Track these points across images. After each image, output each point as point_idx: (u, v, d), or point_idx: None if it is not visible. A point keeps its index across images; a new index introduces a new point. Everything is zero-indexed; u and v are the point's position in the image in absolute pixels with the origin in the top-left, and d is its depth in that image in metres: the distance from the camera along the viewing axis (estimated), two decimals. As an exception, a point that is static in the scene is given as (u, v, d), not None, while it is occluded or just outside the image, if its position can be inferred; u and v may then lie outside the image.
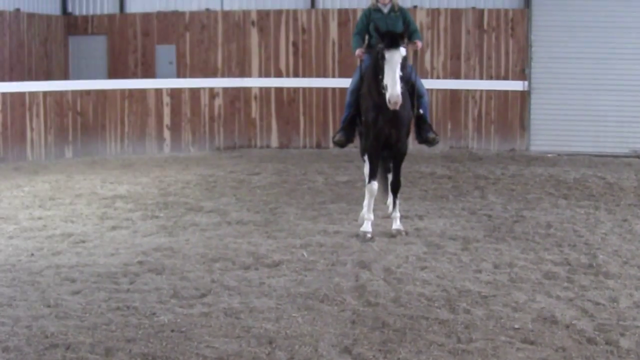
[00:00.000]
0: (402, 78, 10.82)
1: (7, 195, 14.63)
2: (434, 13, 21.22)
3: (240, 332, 7.74)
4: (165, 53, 22.56)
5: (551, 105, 20.66)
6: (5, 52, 20.66)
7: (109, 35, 23.00)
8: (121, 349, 7.27)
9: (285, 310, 8.36)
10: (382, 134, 11.36)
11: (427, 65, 21.19)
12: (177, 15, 22.56)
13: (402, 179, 12.10)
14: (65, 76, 22.88)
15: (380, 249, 10.81)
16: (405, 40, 11.19)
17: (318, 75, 21.70)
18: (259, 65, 22.06)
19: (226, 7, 22.50)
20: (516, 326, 7.89)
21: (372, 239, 11.31)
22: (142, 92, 20.47)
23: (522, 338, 7.58)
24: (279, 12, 21.99)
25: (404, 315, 8.20)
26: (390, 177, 12.15)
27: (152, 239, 11.46)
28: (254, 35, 22.07)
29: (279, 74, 21.93)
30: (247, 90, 21.54)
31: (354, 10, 21.10)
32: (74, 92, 19.62)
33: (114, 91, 20.15)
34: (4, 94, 18.36)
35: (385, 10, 11.91)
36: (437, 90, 20.96)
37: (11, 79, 20.26)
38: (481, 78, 21.02)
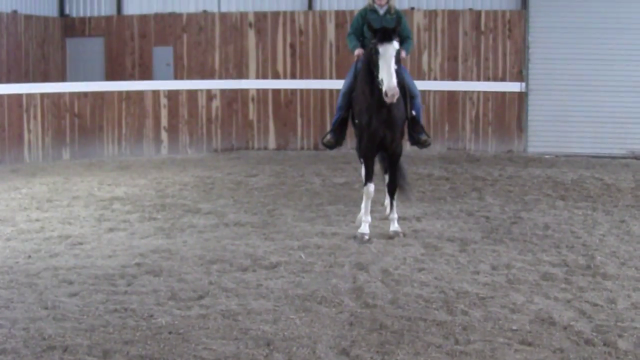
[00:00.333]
0: (397, 72, 10.81)
1: (5, 197, 14.63)
2: (431, 14, 21.22)
3: (237, 334, 7.74)
4: (162, 55, 22.55)
5: (549, 106, 20.67)
6: (2, 53, 20.64)
7: (106, 37, 22.99)
8: (119, 351, 7.27)
9: (283, 312, 8.36)
10: (376, 135, 11.36)
11: (425, 66, 21.20)
12: (174, 17, 22.55)
13: (405, 178, 12.11)
14: (62, 78, 22.88)
15: (377, 251, 10.81)
16: (397, 37, 11.15)
17: (315, 77, 21.70)
18: (257, 67, 22.05)
19: (223, 9, 22.50)
20: (514, 327, 7.89)
21: (369, 240, 11.31)
22: (140, 93, 20.46)
23: (520, 339, 7.58)
24: (276, 14, 21.99)
25: (401, 316, 8.21)
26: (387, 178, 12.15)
27: (150, 240, 11.46)
28: (252, 36, 22.06)
29: (276, 76, 21.93)
30: (244, 91, 21.55)
31: (352, 12, 21.09)
32: (72, 94, 19.61)
33: (111, 93, 20.13)
34: (1, 95, 18.36)
35: (382, 11, 11.92)
36: (435, 91, 20.98)
37: (8, 81, 20.25)
38: (478, 79, 21.02)
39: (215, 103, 21.20)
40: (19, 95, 18.70)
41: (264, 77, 21.94)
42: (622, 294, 8.99)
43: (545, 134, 20.72)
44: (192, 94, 20.99)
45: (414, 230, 11.99)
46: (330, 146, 12.26)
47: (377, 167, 12.30)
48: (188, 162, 19.32)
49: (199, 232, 11.97)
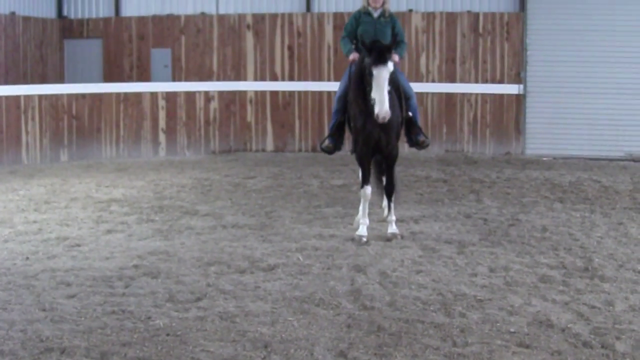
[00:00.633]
0: (389, 92, 10.81)
1: (3, 198, 14.62)
2: (429, 17, 21.23)
3: (235, 336, 7.73)
4: (160, 56, 22.56)
5: (546, 108, 20.69)
6: (0, 55, 20.65)
7: (104, 39, 23.00)
8: (116, 353, 7.27)
9: (281, 314, 8.36)
10: (371, 138, 11.35)
11: (423, 68, 21.21)
12: (172, 18, 22.56)
13: (396, 182, 12.10)
14: (60, 79, 22.88)
15: (375, 253, 10.81)
16: (392, 53, 11.10)
17: (313, 79, 21.70)
18: (255, 69, 22.06)
19: (221, 11, 22.51)
20: (512, 330, 7.89)
21: (367, 242, 11.31)
22: (138, 95, 20.46)
23: (518, 342, 7.58)
24: (274, 16, 21.99)
25: (399, 319, 8.20)
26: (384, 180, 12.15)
27: (148, 242, 11.45)
28: (250, 38, 22.07)
29: (274, 78, 21.94)
30: (242, 93, 21.54)
31: (350, 14, 21.01)
32: (70, 96, 19.61)
33: (109, 94, 20.13)
34: (-1, 97, 18.39)
35: (376, 14, 11.88)
36: (433, 93, 21.00)
37: (6, 82, 20.26)
38: (476, 82, 21.04)
39: (213, 105, 21.21)
40: (17, 97, 18.70)
41: (262, 79, 21.95)
42: (620, 296, 8.99)
43: (543, 136, 20.74)
44: (190, 95, 20.99)
45: (411, 233, 11.98)
46: (329, 151, 12.24)
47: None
48: (186, 164, 19.32)
49: (197, 234, 11.97)
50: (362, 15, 11.92)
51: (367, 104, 10.99)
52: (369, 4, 11.89)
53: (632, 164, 19.49)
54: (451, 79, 21.15)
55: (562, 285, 9.39)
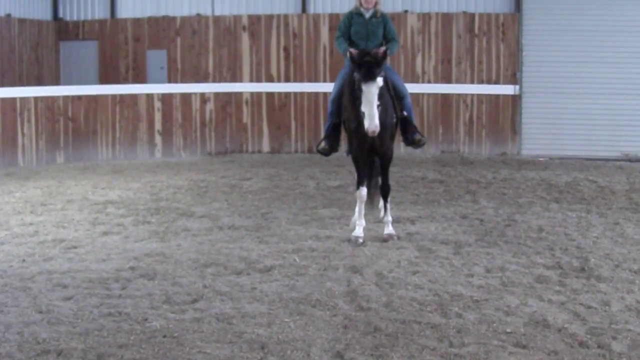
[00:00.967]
0: (379, 105, 10.81)
1: (-2, 201, 14.63)
2: (424, 17, 21.24)
3: (232, 337, 7.73)
4: (156, 58, 22.55)
5: (542, 109, 20.71)
6: (-4, 57, 20.67)
7: (100, 41, 22.99)
8: (113, 355, 7.26)
9: (277, 316, 8.36)
10: (365, 141, 11.35)
11: (419, 69, 21.22)
12: (168, 20, 22.56)
13: (391, 183, 12.10)
14: (56, 81, 22.87)
15: (372, 254, 10.81)
16: (382, 70, 11.07)
17: (309, 80, 21.71)
18: (250, 70, 22.06)
19: (217, 12, 22.51)
20: (508, 330, 7.89)
21: (363, 243, 11.31)
22: (133, 97, 20.46)
23: (514, 342, 7.58)
24: (270, 17, 22.00)
25: (396, 319, 8.21)
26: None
27: (144, 244, 11.45)
28: (245, 40, 22.08)
29: (270, 79, 21.94)
30: (238, 95, 21.55)
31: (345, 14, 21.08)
32: (65, 98, 19.60)
33: (105, 96, 20.13)
34: (-6, 99, 18.38)
35: (367, 15, 11.88)
36: (429, 94, 21.01)
37: (2, 85, 20.24)
38: (472, 82, 21.05)
39: (209, 106, 21.21)
40: (13, 99, 18.69)
41: (258, 80, 21.95)
42: (616, 296, 9.00)
43: (539, 137, 20.75)
44: (186, 97, 20.99)
45: (408, 233, 11.99)
46: (325, 153, 12.23)
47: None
48: (182, 165, 19.32)
49: (193, 235, 11.97)
50: (354, 16, 11.93)
51: (358, 111, 10.98)
52: (361, 5, 11.89)
53: (628, 164, 19.51)
54: (447, 79, 21.16)
55: (558, 286, 9.40)
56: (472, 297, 8.95)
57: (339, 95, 11.83)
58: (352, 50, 11.37)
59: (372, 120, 10.65)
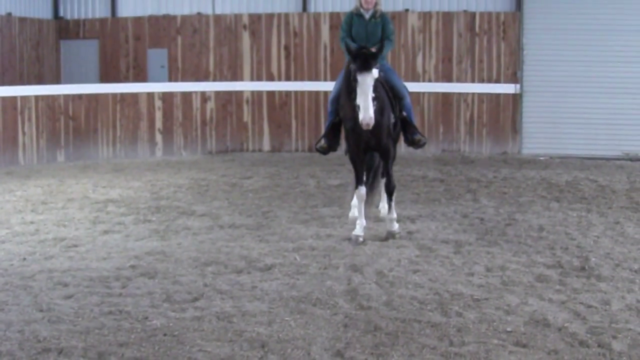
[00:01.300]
0: (374, 98, 10.80)
1: (0, 199, 14.64)
2: (425, 16, 21.24)
3: (232, 336, 7.74)
4: (157, 57, 22.55)
5: (543, 108, 20.70)
6: (-4, 56, 20.67)
7: (100, 39, 22.99)
8: (113, 353, 7.27)
9: (278, 314, 8.36)
10: (361, 140, 11.36)
11: (419, 68, 21.22)
12: (168, 19, 22.56)
13: (394, 181, 12.09)
14: (57, 80, 22.88)
15: (372, 253, 10.81)
16: (378, 61, 11.06)
17: (310, 79, 21.70)
18: (251, 69, 22.06)
19: (218, 11, 22.50)
20: (508, 329, 7.90)
21: (364, 242, 11.31)
22: (134, 96, 20.47)
23: (515, 341, 7.59)
24: (270, 16, 21.99)
25: (396, 318, 8.21)
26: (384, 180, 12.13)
27: (145, 243, 11.45)
28: (246, 38, 22.07)
29: (270, 78, 21.94)
30: (238, 93, 21.55)
31: (346, 14, 21.06)
32: (66, 96, 19.60)
33: (105, 95, 20.14)
34: (-5, 98, 18.39)
35: (367, 16, 11.87)
36: (429, 93, 21.01)
37: (3, 83, 20.25)
38: (473, 81, 21.05)
39: (210, 105, 21.21)
40: (14, 98, 18.69)
41: (259, 79, 21.95)
42: (617, 295, 9.00)
43: (539, 136, 20.75)
44: (187, 96, 21.00)
45: (408, 232, 11.99)
46: (324, 152, 12.23)
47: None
48: (182, 164, 19.32)
49: (194, 234, 11.97)
50: (354, 17, 11.92)
51: (354, 110, 10.99)
52: (361, 6, 11.89)
53: (629, 163, 19.50)
54: (448, 78, 21.16)
55: (558, 285, 9.40)
56: (472, 296, 8.95)
57: (338, 95, 11.83)
58: (351, 43, 11.39)
59: (366, 112, 10.64)
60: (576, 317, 8.26)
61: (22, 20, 21.62)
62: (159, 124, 20.65)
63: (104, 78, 22.77)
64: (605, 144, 20.20)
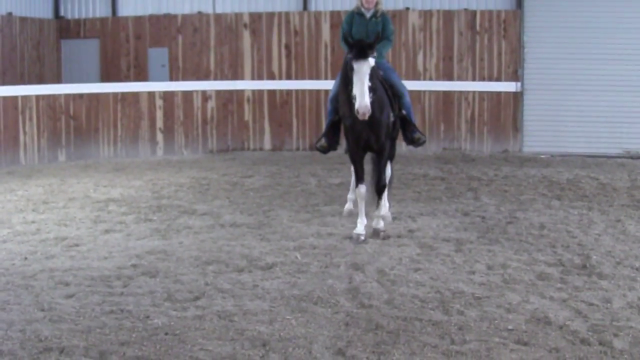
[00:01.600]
0: (371, 88, 10.77)
1: (1, 199, 14.63)
2: (426, 14, 21.23)
3: (234, 334, 7.74)
4: (157, 56, 22.55)
5: (544, 106, 20.70)
6: (-3, 56, 20.67)
7: (101, 39, 22.99)
8: (115, 352, 7.28)
9: (279, 313, 8.37)
10: (360, 138, 11.34)
11: (420, 66, 21.22)
12: (169, 18, 22.56)
13: (393, 181, 12.06)
14: (58, 80, 22.87)
15: (373, 251, 10.82)
16: (374, 51, 11.05)
17: (311, 78, 21.70)
18: (252, 68, 22.06)
19: (218, 10, 22.50)
20: (510, 327, 7.90)
21: (365, 240, 11.31)
22: (135, 95, 20.47)
23: (516, 339, 7.59)
24: (271, 15, 21.99)
25: (397, 317, 8.21)
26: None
27: (146, 242, 11.46)
28: (247, 37, 22.07)
29: (271, 77, 21.94)
30: (239, 92, 21.55)
31: (346, 12, 21.04)
32: (67, 96, 19.61)
33: (106, 94, 20.14)
34: (-4, 97, 18.39)
35: (368, 15, 11.85)
36: (430, 91, 21.00)
37: (4, 83, 20.25)
38: (474, 79, 21.03)
39: (211, 104, 21.22)
40: (15, 97, 18.70)
41: (259, 77, 21.95)
42: (618, 293, 9.01)
43: (540, 134, 20.75)
44: (188, 95, 21.00)
45: (409, 230, 11.99)
46: (324, 150, 12.21)
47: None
48: (184, 163, 19.32)
49: (195, 233, 11.98)
50: (355, 16, 11.90)
51: (352, 105, 10.96)
52: (362, 5, 11.87)
53: (630, 161, 19.50)
54: (448, 76, 21.15)
55: (559, 283, 9.40)
56: (473, 294, 8.96)
57: (337, 93, 11.82)
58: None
59: (362, 99, 10.59)
60: (577, 315, 8.26)
61: (23, 19, 21.62)
62: (159, 123, 20.65)
63: (105, 77, 22.78)
64: (607, 141, 20.20)
